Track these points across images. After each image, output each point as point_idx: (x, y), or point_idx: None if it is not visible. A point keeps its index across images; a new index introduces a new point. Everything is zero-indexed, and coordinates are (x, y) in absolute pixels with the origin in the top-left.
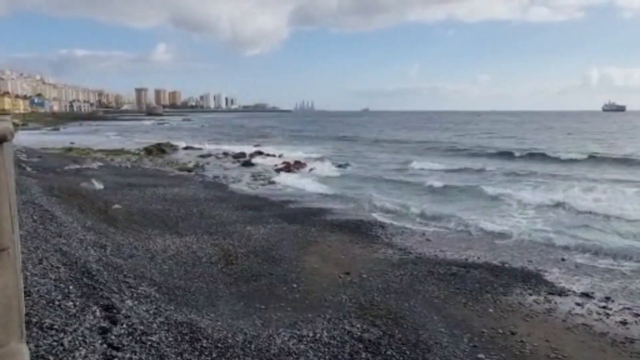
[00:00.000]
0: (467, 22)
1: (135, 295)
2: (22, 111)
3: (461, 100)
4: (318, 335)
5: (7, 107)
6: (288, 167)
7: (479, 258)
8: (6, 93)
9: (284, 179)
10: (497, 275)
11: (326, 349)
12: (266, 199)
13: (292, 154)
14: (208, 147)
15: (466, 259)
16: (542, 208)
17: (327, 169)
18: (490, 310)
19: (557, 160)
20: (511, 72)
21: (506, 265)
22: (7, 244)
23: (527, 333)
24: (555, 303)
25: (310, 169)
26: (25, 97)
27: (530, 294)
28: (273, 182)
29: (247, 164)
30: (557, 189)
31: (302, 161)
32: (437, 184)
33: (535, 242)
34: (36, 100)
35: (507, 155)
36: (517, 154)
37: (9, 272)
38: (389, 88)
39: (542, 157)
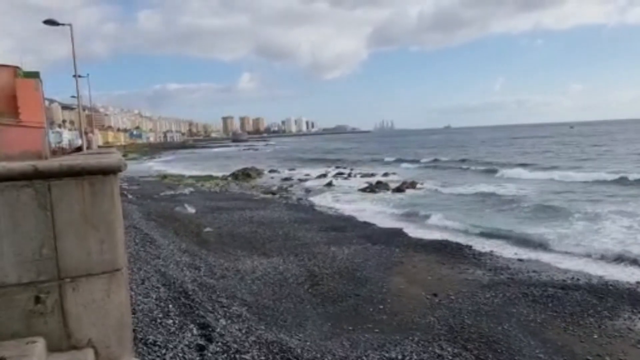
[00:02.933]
0: (556, 29)
1: (228, 314)
2: (122, 143)
3: (550, 113)
4: (407, 358)
5: (110, 140)
6: (371, 188)
7: (578, 279)
8: (109, 127)
9: (366, 199)
10: (601, 298)
11: None
12: (349, 219)
13: (372, 174)
14: (290, 170)
15: (564, 280)
16: None
17: (412, 189)
18: (595, 335)
19: None
20: (607, 79)
21: (610, 286)
22: (121, 265)
23: None
24: None
25: (395, 190)
26: (125, 130)
27: None
28: (354, 202)
29: (329, 185)
30: None
31: (384, 181)
32: (528, 202)
33: None
34: (134, 132)
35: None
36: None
37: (122, 291)
38: (471, 103)
39: None
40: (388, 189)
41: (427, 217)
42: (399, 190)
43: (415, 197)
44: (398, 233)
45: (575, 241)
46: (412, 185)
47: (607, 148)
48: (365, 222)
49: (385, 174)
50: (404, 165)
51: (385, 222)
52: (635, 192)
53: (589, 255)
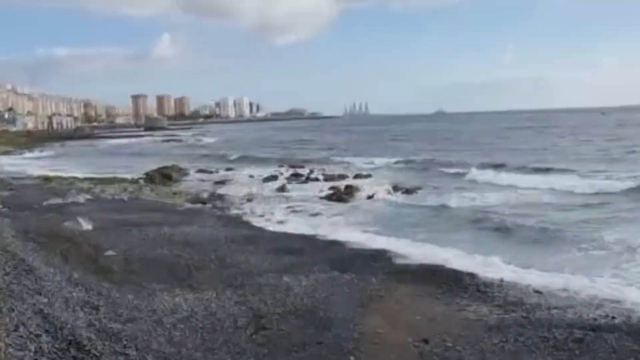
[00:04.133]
0: None
1: None
2: None
3: (576, 94)
4: None
5: None
6: (338, 195)
7: (613, 317)
8: None
9: (332, 210)
10: None
11: None
12: (309, 238)
13: (341, 176)
14: (227, 170)
15: (595, 319)
16: None
17: (387, 195)
18: None
19: None
20: None
21: None
22: None
23: None
24: None
25: (369, 196)
26: None
27: None
28: (316, 215)
29: (281, 190)
30: None
31: (355, 185)
32: (546, 221)
33: None
34: (6, 116)
35: None
36: None
37: None
38: (472, 81)
39: None
40: (361, 196)
41: (414, 232)
42: (372, 197)
43: (402, 205)
44: (376, 256)
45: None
46: (396, 189)
47: None
48: (331, 242)
49: (358, 176)
50: (377, 161)
51: (358, 240)
52: None
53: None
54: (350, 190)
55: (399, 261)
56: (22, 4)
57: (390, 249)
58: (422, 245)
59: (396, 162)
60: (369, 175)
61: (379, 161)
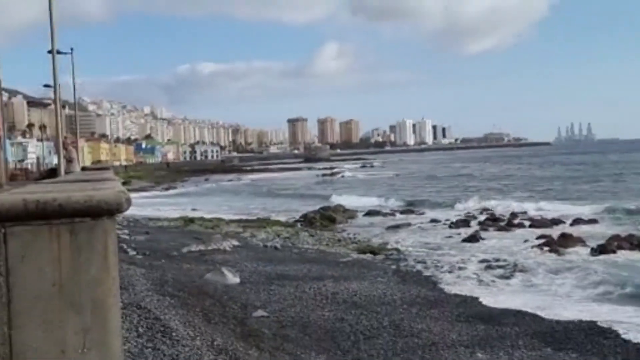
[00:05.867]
0: None
1: None
2: (123, 162)
3: None
4: None
5: (103, 156)
6: (551, 246)
7: None
8: (103, 136)
9: (541, 267)
10: None
11: None
12: (508, 304)
13: (553, 222)
14: (404, 213)
15: None
16: None
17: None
18: None
19: None
20: None
21: None
22: None
23: None
24: None
25: (596, 250)
26: (128, 141)
27: None
28: (525, 271)
29: (473, 239)
30: None
31: (576, 234)
32: None
33: None
34: (144, 145)
35: None
36: None
37: None
38: None
39: None
40: (583, 248)
41: None
42: (604, 251)
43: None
44: (601, 331)
45: None
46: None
47: None
48: (537, 307)
49: (577, 221)
50: (606, 205)
51: (574, 309)
52: None
53: None
54: (566, 242)
55: (631, 338)
56: (163, 14)
57: (622, 320)
58: None
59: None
60: (593, 221)
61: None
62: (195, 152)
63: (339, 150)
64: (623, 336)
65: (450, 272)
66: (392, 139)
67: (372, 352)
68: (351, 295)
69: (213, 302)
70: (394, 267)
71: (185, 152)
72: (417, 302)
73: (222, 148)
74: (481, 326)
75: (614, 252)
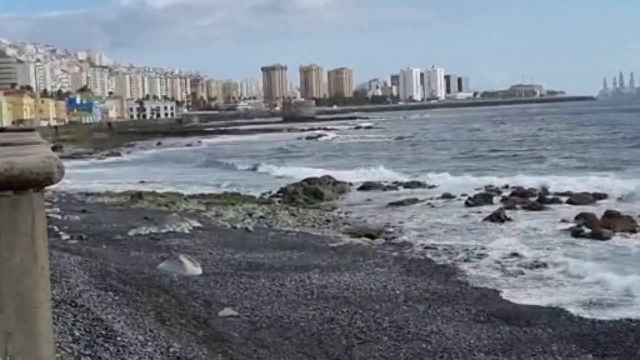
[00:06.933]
0: None
1: None
2: (52, 122)
3: None
4: None
5: (27, 115)
6: (592, 228)
7: None
8: (26, 89)
9: (581, 251)
10: None
11: None
12: (538, 300)
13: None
14: (408, 186)
15: None
16: None
17: None
18: None
19: None
20: None
21: None
22: None
23: None
24: None
25: None
26: (59, 95)
27: None
28: (561, 260)
29: (496, 219)
30: None
31: (619, 212)
32: None
33: None
34: (79, 100)
35: None
36: None
37: None
38: None
39: None
40: (633, 230)
41: None
42: None
43: None
44: None
45: None
46: None
47: None
48: (585, 303)
49: (621, 199)
50: None
51: (621, 306)
52: None
53: None
54: (613, 222)
55: None
56: None
57: None
58: None
59: None
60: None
61: None
62: (144, 109)
63: (326, 107)
64: None
65: (466, 260)
66: (395, 92)
67: (369, 359)
68: (342, 290)
69: (168, 299)
70: (396, 254)
71: (131, 110)
72: (425, 298)
73: (179, 104)
74: (505, 327)
75: None
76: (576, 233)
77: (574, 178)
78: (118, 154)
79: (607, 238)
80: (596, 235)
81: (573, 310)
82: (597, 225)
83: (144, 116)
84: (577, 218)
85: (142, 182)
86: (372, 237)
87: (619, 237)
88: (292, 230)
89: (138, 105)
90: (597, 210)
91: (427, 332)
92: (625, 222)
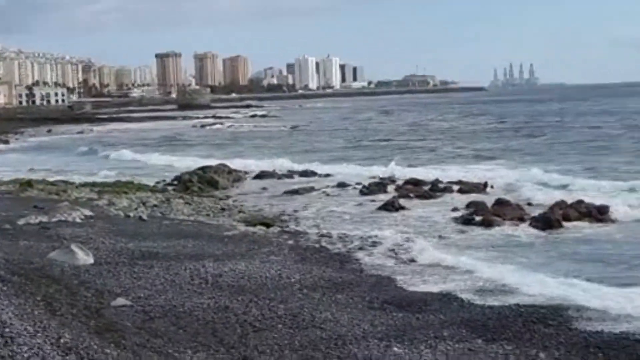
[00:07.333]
0: None
1: None
2: None
3: None
4: None
5: None
6: (484, 217)
7: None
8: None
9: (472, 241)
10: None
11: None
12: (431, 287)
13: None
14: (304, 174)
15: None
16: None
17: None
18: None
19: None
20: None
21: None
22: None
23: None
24: None
25: (540, 221)
26: None
27: None
28: (453, 247)
29: (390, 207)
30: None
31: (511, 201)
32: None
33: None
34: None
35: None
36: None
37: None
38: None
39: None
40: (522, 217)
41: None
42: (549, 223)
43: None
44: (547, 315)
45: None
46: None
47: None
48: (473, 289)
49: (510, 187)
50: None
51: (512, 293)
52: None
53: None
54: (502, 209)
55: (585, 326)
56: None
57: (571, 304)
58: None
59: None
60: (541, 186)
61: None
62: (33, 95)
63: (222, 95)
64: (567, 324)
65: (361, 248)
66: (290, 81)
67: (263, 347)
68: (237, 278)
69: (59, 289)
70: (291, 242)
71: (20, 96)
72: (320, 286)
73: (71, 91)
74: (399, 314)
75: (560, 224)
76: (467, 221)
77: (465, 167)
78: (6, 142)
79: (498, 226)
80: (486, 223)
81: (464, 296)
82: (487, 213)
83: (34, 102)
84: (468, 206)
85: (32, 169)
86: (267, 225)
87: (508, 225)
88: (186, 219)
89: (27, 92)
90: (488, 198)
91: (322, 320)
92: (514, 210)
